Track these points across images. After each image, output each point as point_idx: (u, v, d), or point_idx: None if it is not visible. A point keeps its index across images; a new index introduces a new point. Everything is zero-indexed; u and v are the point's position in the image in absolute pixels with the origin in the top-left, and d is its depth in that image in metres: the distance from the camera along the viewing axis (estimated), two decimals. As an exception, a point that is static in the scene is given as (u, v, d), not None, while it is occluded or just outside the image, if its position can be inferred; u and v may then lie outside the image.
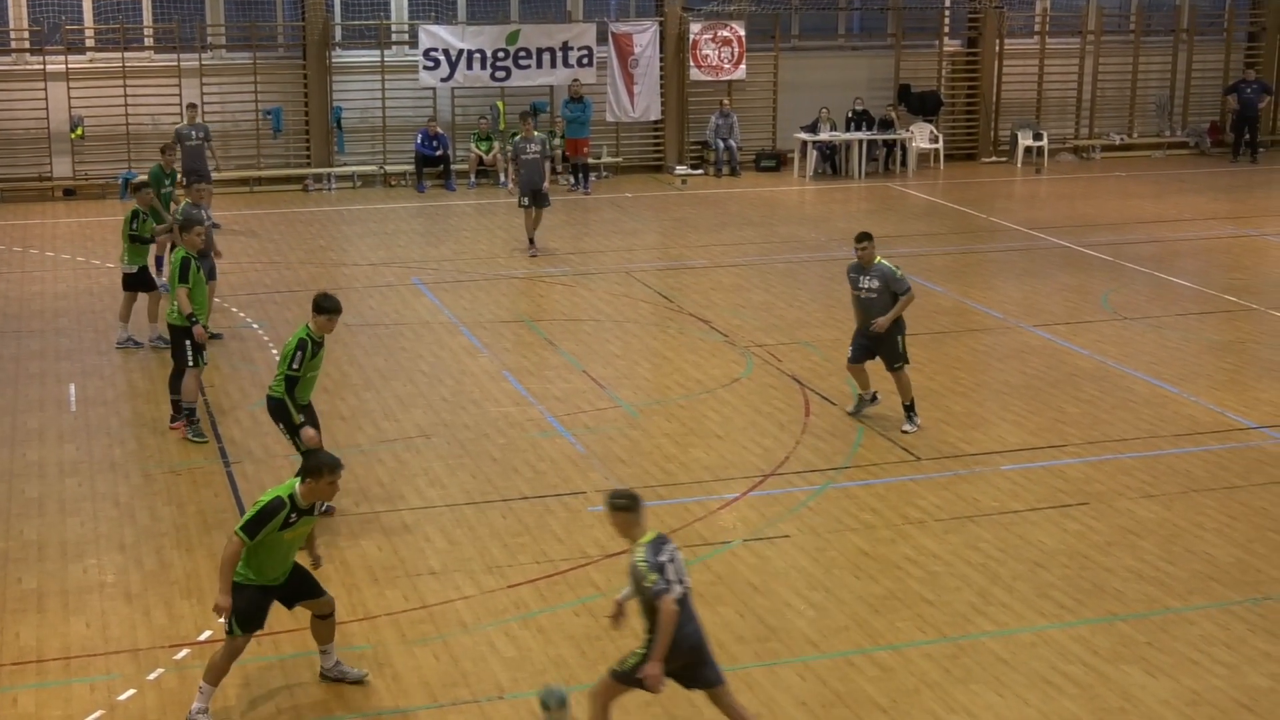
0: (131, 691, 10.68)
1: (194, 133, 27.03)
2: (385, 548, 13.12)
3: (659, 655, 9.23)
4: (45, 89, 29.46)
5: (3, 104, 29.43)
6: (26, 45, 29.87)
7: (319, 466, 10.27)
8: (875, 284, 15.97)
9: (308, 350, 13.23)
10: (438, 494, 14.37)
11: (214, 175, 26.91)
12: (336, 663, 10.91)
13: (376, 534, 13.40)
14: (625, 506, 9.46)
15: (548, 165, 25.31)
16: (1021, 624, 11.75)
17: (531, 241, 24.89)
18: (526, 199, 24.83)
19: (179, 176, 22.49)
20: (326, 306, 13.35)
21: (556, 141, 31.52)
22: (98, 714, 10.38)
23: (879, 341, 16.04)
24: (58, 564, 12.82)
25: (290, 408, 13.22)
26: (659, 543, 9.41)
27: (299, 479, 10.28)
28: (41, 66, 29.54)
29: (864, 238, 16.07)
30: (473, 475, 14.83)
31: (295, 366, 13.16)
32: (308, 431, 13.17)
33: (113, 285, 20.18)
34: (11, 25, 29.82)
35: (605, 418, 16.60)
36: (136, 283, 19.24)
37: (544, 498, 14.26)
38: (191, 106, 28.11)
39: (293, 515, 10.21)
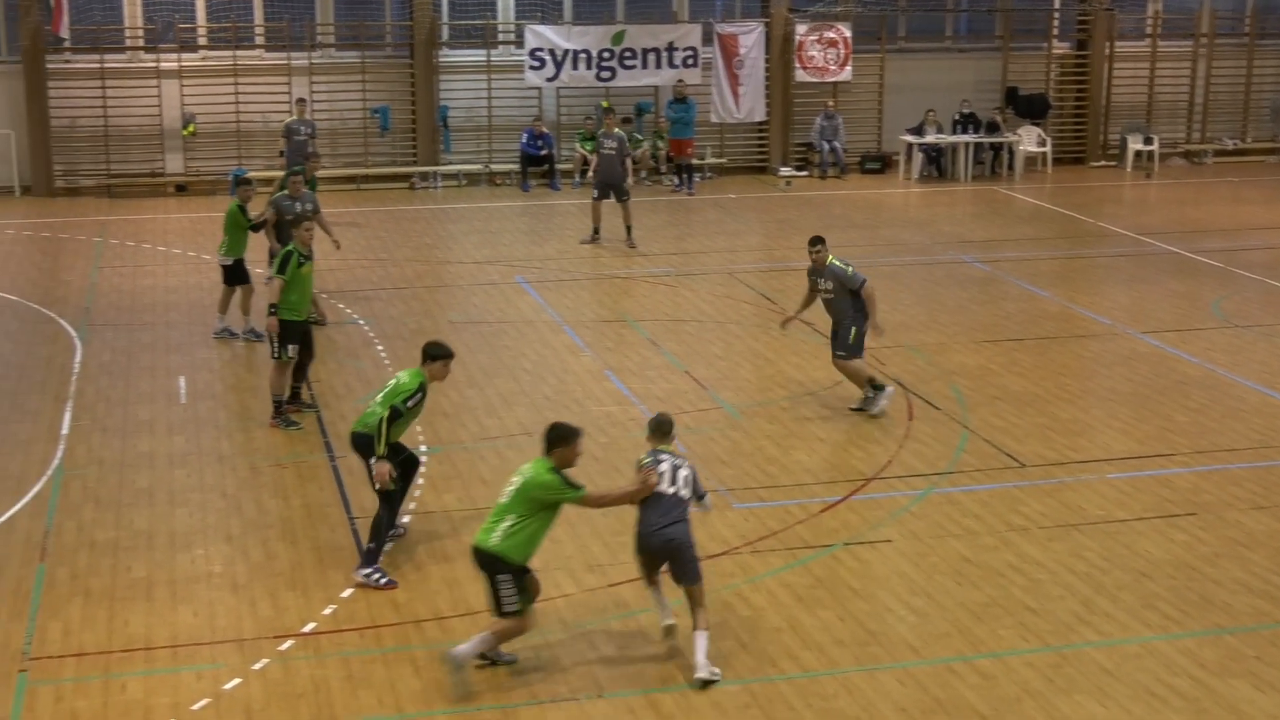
0: (237, 681, 10.82)
1: (303, 128, 27.39)
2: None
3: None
4: (158, 86, 29.96)
5: (117, 101, 29.95)
6: (141, 43, 30.37)
7: (567, 434, 11.07)
8: (830, 284, 16.55)
9: (424, 395, 12.76)
10: (539, 492, 14.41)
11: (318, 172, 27.14)
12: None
13: (477, 529, 13.44)
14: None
15: (628, 163, 25.45)
16: (1126, 634, 11.60)
17: (596, 232, 25.36)
18: (597, 192, 25.23)
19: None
20: (439, 354, 12.89)
21: (659, 143, 31.59)
22: (204, 702, 10.53)
23: (833, 332, 16.72)
24: (166, 553, 13.03)
25: (383, 435, 12.38)
26: (660, 452, 11.38)
27: (547, 452, 10.99)
28: (155, 64, 30.05)
29: (815, 242, 16.75)
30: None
31: (409, 404, 12.59)
32: (382, 466, 12.40)
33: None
34: (126, 23, 30.34)
35: (707, 418, 16.59)
36: (235, 275, 19.57)
37: (645, 497, 14.26)
38: (301, 101, 28.49)
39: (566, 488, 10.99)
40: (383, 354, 18.91)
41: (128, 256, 24.45)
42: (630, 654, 11.22)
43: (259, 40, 31.11)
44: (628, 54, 31.60)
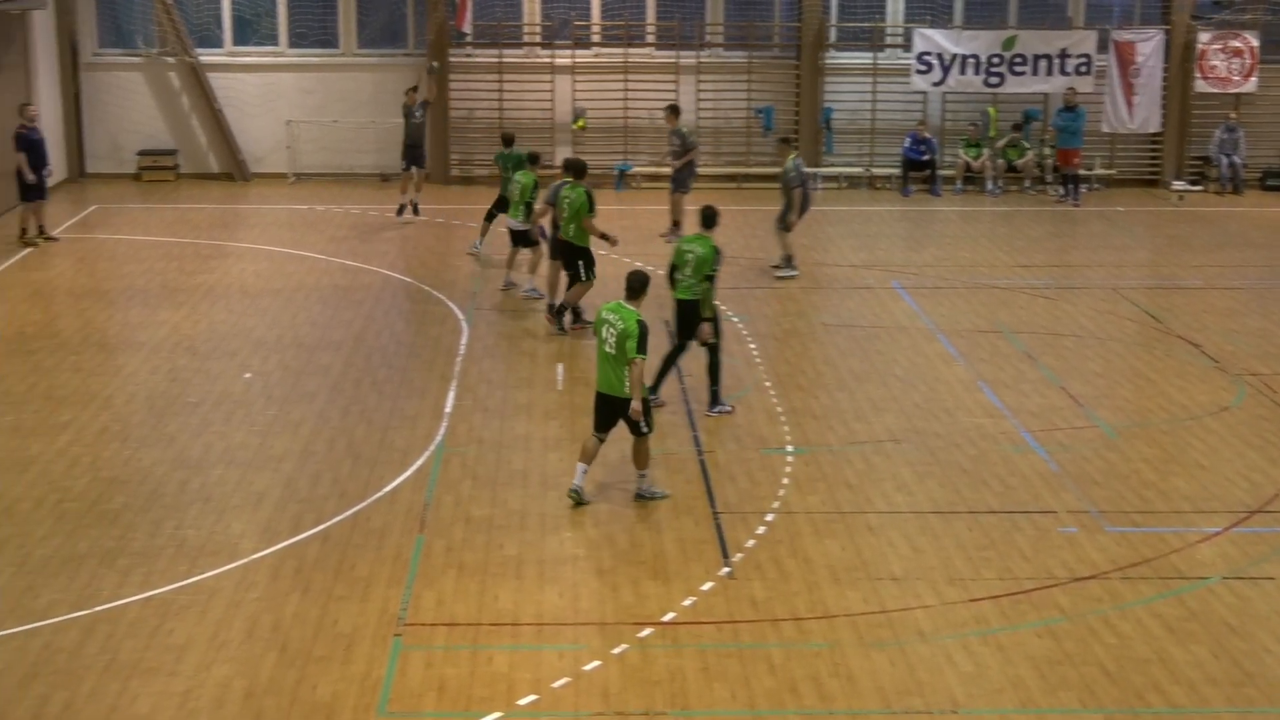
0: (596, 663, 11.06)
1: (417, 112, 27.38)
2: (849, 549, 13.15)
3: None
4: (552, 81, 30.93)
5: (514, 94, 31.07)
6: (538, 39, 31.40)
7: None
8: None
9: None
10: (904, 500, 14.29)
11: (701, 171, 27.67)
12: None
13: (841, 534, 13.44)
14: None
15: (691, 156, 25.88)
16: None
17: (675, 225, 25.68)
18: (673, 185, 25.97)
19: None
20: (715, 219, 17.08)
21: (1045, 152, 30.89)
22: (564, 681, 10.80)
23: None
24: (537, 534, 13.43)
25: (710, 299, 16.30)
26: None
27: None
28: (550, 60, 31.03)
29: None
30: (940, 484, 14.68)
31: (717, 268, 16.24)
32: (705, 326, 16.21)
33: (603, 274, 20.89)
34: (525, 20, 31.42)
35: (1081, 437, 16.12)
36: (525, 239, 21.51)
37: (1012, 513, 13.96)
38: (413, 89, 27.77)
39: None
40: (754, 351, 19.04)
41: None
42: (987, 672, 11.00)
43: (649, 38, 31.74)
44: (1018, 60, 30.96)
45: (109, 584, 12.26)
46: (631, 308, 13.88)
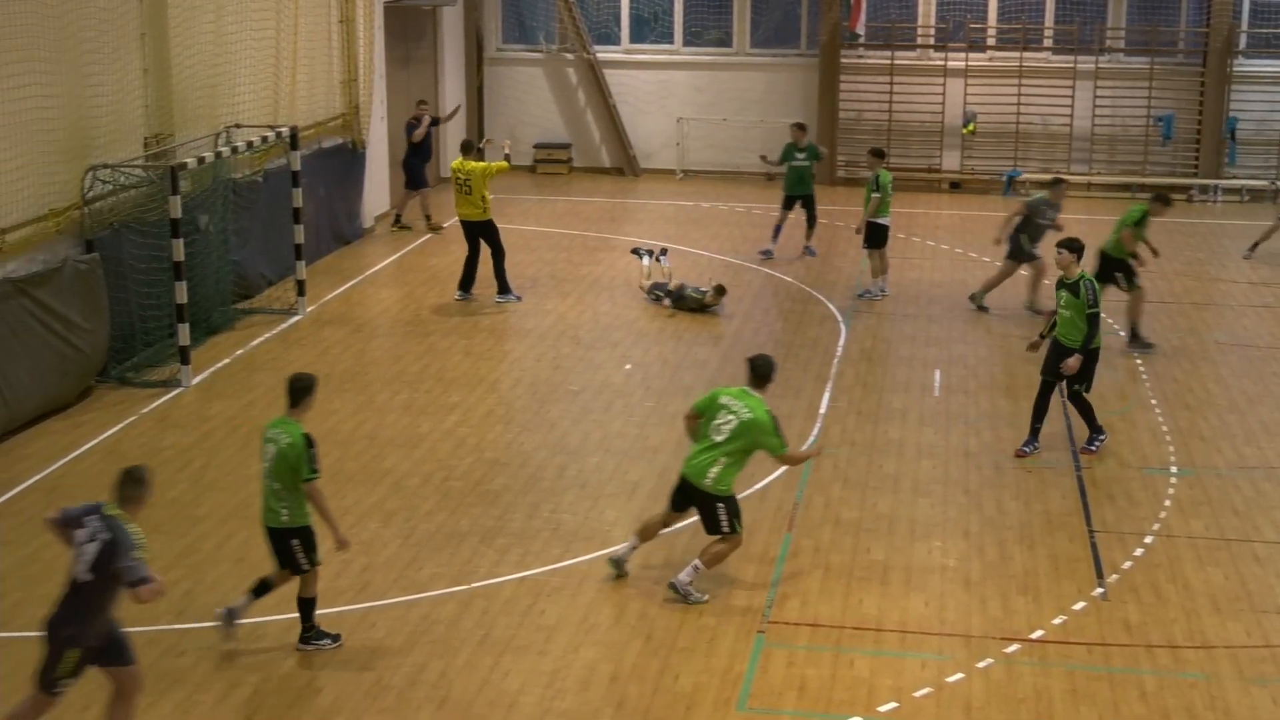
0: (959, 675, 10.90)
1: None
2: (1233, 578, 12.57)
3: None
4: (944, 84, 30.53)
5: (904, 96, 30.81)
6: (931, 41, 31.05)
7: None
8: None
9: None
10: (1296, 530, 13.59)
11: (1098, 179, 26.81)
12: None
13: (1225, 562, 12.86)
14: None
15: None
16: None
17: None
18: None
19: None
20: (1075, 247, 15.24)
21: None
22: (925, 690, 10.69)
23: None
24: (905, 540, 13.30)
25: (1094, 333, 14.95)
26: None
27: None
28: (943, 62, 30.64)
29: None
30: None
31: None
32: (1072, 359, 14.95)
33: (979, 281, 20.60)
34: (919, 22, 31.11)
35: None
36: (880, 237, 21.78)
37: None
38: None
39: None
40: (1140, 367, 18.41)
41: (897, 249, 24.97)
42: (1382, 719, 10.36)
43: (1046, 42, 31.00)
44: None
45: (487, 561, 12.75)
46: (758, 395, 12.15)
